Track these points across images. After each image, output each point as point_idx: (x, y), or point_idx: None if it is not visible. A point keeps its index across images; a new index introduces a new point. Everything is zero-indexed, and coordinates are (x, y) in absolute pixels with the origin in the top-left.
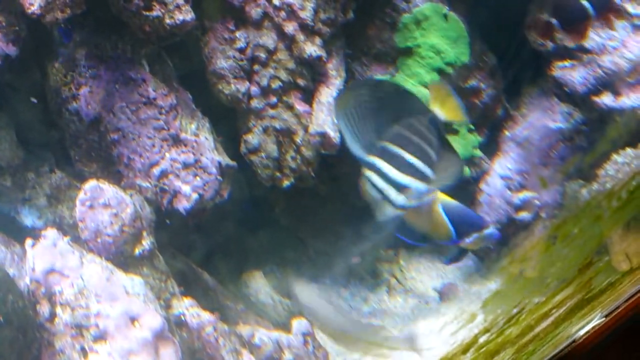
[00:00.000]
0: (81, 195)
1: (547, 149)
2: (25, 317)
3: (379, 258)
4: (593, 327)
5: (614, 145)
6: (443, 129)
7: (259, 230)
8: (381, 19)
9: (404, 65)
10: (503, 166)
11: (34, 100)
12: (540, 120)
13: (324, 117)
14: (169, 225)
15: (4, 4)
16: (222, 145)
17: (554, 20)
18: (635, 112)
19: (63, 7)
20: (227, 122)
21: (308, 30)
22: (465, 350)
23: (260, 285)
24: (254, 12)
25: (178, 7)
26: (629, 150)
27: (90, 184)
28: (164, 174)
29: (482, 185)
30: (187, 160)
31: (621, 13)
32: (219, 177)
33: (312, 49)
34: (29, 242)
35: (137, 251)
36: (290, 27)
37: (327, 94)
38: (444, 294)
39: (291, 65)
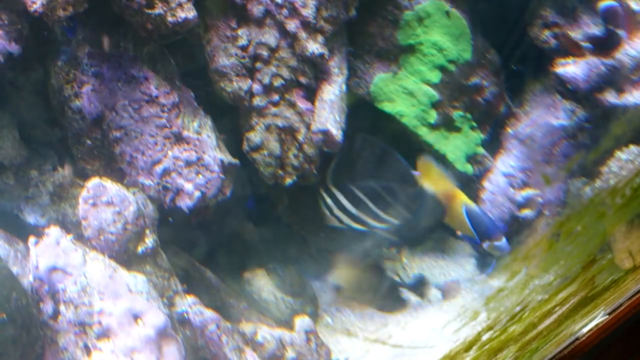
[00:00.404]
0: (84, 193)
1: (550, 146)
2: (28, 314)
3: (381, 255)
4: (596, 325)
5: (618, 143)
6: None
7: (261, 228)
8: (383, 17)
9: (406, 62)
10: (506, 164)
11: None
12: (543, 117)
13: (326, 114)
14: (172, 223)
15: (6, 2)
16: (224, 143)
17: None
18: (638, 108)
19: (65, 5)
20: (230, 119)
21: (310, 27)
22: (468, 348)
23: (262, 283)
24: (256, 9)
25: (180, 4)
26: (632, 147)
27: (93, 182)
28: (166, 171)
29: (485, 183)
30: (189, 158)
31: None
32: (221, 175)
33: (314, 46)
34: (32, 240)
35: (140, 249)
36: (292, 25)
37: (329, 92)
38: (447, 292)
39: (293, 63)
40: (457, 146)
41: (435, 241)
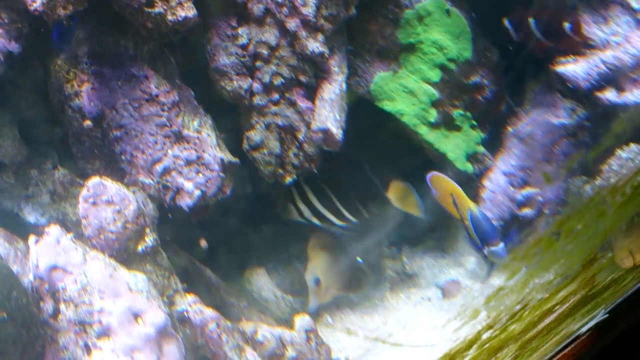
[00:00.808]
0: (84, 192)
1: (550, 145)
2: (29, 313)
3: (382, 255)
4: (596, 324)
5: (618, 141)
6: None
7: (261, 227)
8: (383, 15)
9: (406, 61)
10: (506, 162)
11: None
12: (543, 116)
13: (326, 113)
14: (172, 221)
15: (6, 0)
16: (224, 141)
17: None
18: (639, 107)
19: (65, 4)
20: (230, 118)
21: (310, 26)
22: (468, 346)
23: (263, 281)
24: (256, 8)
25: (180, 3)
26: (633, 145)
27: (93, 180)
28: (166, 170)
29: (485, 182)
30: (189, 157)
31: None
32: (221, 174)
33: (314, 45)
34: (32, 239)
35: (140, 248)
36: (292, 24)
37: (329, 91)
38: (447, 291)
39: (293, 61)
40: (457, 145)
41: (435, 240)
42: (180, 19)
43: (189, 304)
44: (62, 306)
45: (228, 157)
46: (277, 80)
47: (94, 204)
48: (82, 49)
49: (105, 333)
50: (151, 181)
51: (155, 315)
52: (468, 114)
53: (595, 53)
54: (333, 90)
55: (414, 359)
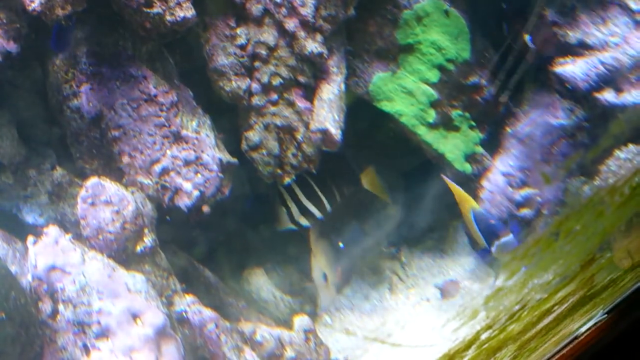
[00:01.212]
0: (83, 192)
1: (548, 145)
2: (27, 314)
3: (380, 255)
4: (595, 324)
5: (616, 142)
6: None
7: (260, 227)
8: (382, 16)
9: (405, 61)
10: (505, 163)
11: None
12: (541, 116)
13: (325, 114)
14: (170, 222)
15: (4, 0)
16: (223, 142)
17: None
18: (637, 108)
19: (64, 4)
20: (228, 119)
21: (309, 26)
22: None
23: (261, 282)
24: (255, 8)
25: (179, 4)
26: (631, 146)
27: (92, 181)
28: (165, 171)
29: (484, 182)
30: (188, 158)
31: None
32: (220, 174)
33: (313, 45)
34: (30, 239)
35: (138, 248)
36: (291, 24)
37: (328, 91)
38: (446, 291)
39: (292, 62)
40: (455, 145)
41: (435, 240)
42: (179, 19)
43: (188, 304)
44: (61, 306)
45: (227, 157)
46: (276, 81)
47: (93, 204)
48: (80, 49)
49: (103, 333)
50: (150, 181)
51: (154, 316)
52: (467, 114)
53: (593, 54)
54: (332, 90)
55: (413, 359)
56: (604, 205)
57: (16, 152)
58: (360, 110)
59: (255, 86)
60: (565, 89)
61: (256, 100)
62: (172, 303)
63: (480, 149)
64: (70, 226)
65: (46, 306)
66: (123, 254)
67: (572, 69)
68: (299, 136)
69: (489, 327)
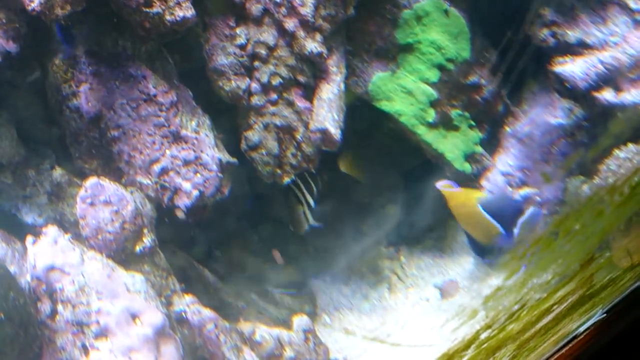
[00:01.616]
0: (82, 192)
1: (548, 145)
2: (26, 314)
3: (380, 255)
4: (594, 324)
5: (616, 141)
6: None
7: (259, 226)
8: (382, 15)
9: (404, 61)
10: (504, 162)
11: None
12: (541, 116)
13: (324, 113)
14: (170, 222)
15: (4, 0)
16: (222, 142)
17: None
18: (637, 107)
19: (63, 4)
20: (228, 118)
21: (308, 26)
22: (466, 346)
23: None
24: (255, 8)
25: (178, 3)
26: (630, 145)
27: (91, 181)
28: (164, 171)
29: (483, 182)
30: (187, 157)
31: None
32: (219, 174)
33: (312, 45)
34: (29, 239)
35: (138, 248)
36: (290, 24)
37: (327, 91)
38: (445, 291)
39: (292, 61)
40: (455, 145)
41: (434, 240)
42: (178, 19)
43: (187, 304)
44: (60, 307)
45: (226, 157)
46: (275, 81)
47: (92, 204)
48: (80, 49)
49: (102, 333)
50: (149, 181)
51: (153, 316)
52: (466, 114)
53: (593, 53)
54: (331, 90)
55: (412, 359)
56: (604, 205)
57: (15, 152)
58: (360, 110)
59: (254, 86)
60: (564, 89)
61: (256, 100)
62: (172, 303)
63: (479, 149)
64: (70, 226)
65: (45, 306)
66: (122, 254)
67: (572, 68)
68: (298, 136)
69: (488, 326)
